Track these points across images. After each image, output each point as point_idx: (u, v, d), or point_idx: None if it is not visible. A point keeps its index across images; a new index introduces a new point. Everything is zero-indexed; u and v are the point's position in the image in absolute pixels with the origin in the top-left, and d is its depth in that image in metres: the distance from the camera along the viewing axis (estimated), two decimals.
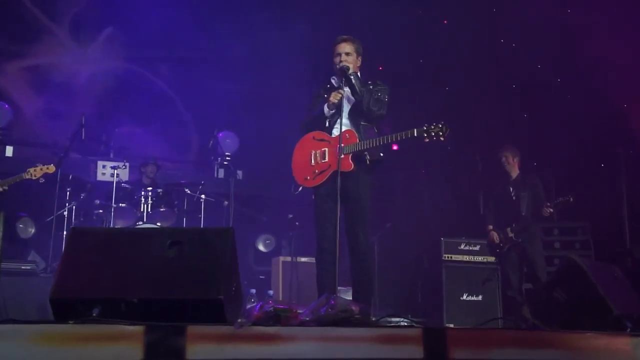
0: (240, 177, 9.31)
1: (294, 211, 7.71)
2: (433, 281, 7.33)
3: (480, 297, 7.18)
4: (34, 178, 6.45)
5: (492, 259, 7.28)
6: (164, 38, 9.23)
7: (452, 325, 6.55)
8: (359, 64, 5.25)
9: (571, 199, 6.71)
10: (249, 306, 3.59)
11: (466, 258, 7.30)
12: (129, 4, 8.97)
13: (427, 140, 4.92)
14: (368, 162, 5.05)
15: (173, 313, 3.00)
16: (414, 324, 3.82)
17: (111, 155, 8.71)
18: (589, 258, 7.35)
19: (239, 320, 2.88)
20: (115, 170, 7.51)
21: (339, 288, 4.73)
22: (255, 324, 2.94)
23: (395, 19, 8.81)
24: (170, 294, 3.08)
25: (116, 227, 7.26)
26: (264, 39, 9.22)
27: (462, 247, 7.35)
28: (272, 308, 3.15)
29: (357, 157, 5.01)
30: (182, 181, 8.21)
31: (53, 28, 9.23)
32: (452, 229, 7.78)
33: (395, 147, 7.79)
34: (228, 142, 8.93)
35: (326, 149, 5.10)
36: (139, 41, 9.21)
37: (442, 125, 4.90)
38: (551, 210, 6.79)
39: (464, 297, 7.14)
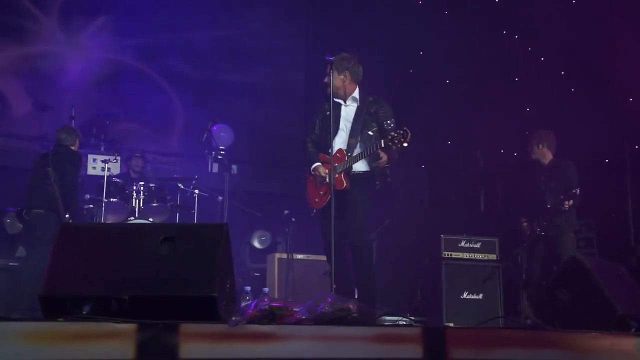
0: (235, 172, 9.23)
1: (290, 207, 7.65)
2: (432, 279, 7.25)
3: (480, 296, 7.09)
4: None
5: (493, 256, 7.21)
6: (156, 28, 9.14)
7: (452, 325, 6.48)
8: (346, 80, 5.35)
9: (578, 192, 6.44)
10: (243, 304, 3.52)
11: (467, 256, 7.22)
12: None
13: (393, 147, 5.01)
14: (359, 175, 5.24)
15: (165, 311, 2.94)
16: (413, 323, 3.77)
17: (102, 149, 8.61)
18: (593, 256, 7.27)
19: (234, 318, 2.82)
20: (106, 164, 7.42)
21: (335, 286, 4.68)
22: (250, 322, 2.89)
23: (394, 10, 8.74)
24: (162, 291, 3.02)
25: (107, 222, 7.16)
26: (261, 27, 9.15)
27: (463, 244, 7.27)
28: (267, 306, 3.09)
29: (349, 174, 5.23)
30: (175, 175, 8.11)
31: (41, 17, 9.11)
32: (452, 226, 7.71)
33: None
34: (222, 135, 8.82)
35: (327, 170, 5.26)
36: (130, 31, 9.12)
37: (402, 131, 4.94)
38: (568, 203, 6.38)
39: (464, 295, 7.06)
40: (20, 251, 7.29)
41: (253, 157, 9.21)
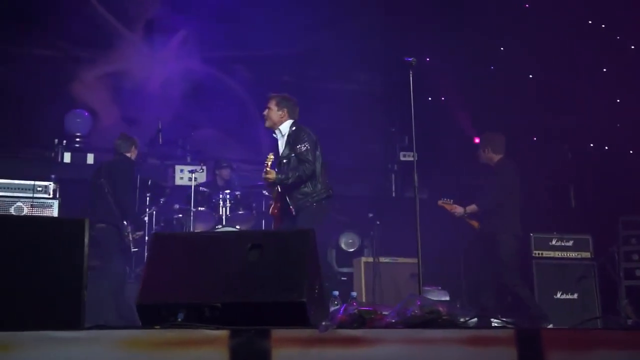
0: None
1: (375, 210, 7.63)
2: (523, 279, 7.08)
3: (575, 296, 6.87)
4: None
5: (587, 254, 6.97)
6: (237, 38, 9.29)
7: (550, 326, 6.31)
8: (282, 114, 5.96)
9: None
10: (332, 308, 3.53)
11: (558, 254, 7.01)
12: (201, 5, 9.07)
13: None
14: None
15: (256, 317, 2.98)
16: (507, 325, 3.68)
17: (188, 159, 8.81)
18: None
19: (324, 323, 2.82)
20: (193, 174, 7.61)
21: (424, 288, 4.63)
22: (340, 326, 2.88)
23: (472, 6, 8.58)
24: (253, 297, 3.07)
25: (196, 231, 7.33)
26: (337, 34, 9.16)
27: (554, 242, 7.07)
28: (356, 310, 3.07)
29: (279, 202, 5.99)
30: (260, 183, 8.21)
31: (127, 34, 9.41)
32: (541, 224, 7.51)
33: (477, 140, 7.61)
34: None
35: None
36: (212, 42, 9.30)
37: None
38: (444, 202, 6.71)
39: (558, 295, 6.86)
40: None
41: (337, 161, 9.20)
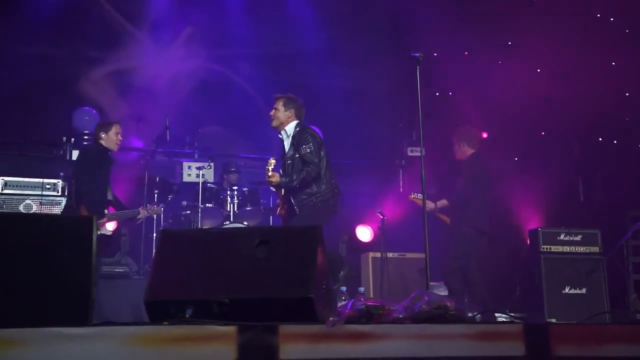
0: None
1: (382, 206, 7.62)
2: (531, 274, 7.06)
3: (584, 290, 6.84)
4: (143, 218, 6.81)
5: (595, 249, 6.93)
6: (244, 35, 9.30)
7: (554, 321, 6.29)
8: (289, 115, 6.00)
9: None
10: (340, 304, 3.54)
11: (567, 249, 6.98)
12: (208, 3, 9.08)
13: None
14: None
15: (264, 313, 2.99)
16: (515, 320, 3.68)
17: (196, 156, 8.83)
18: None
19: (331, 318, 2.82)
20: (201, 171, 7.63)
21: (431, 284, 4.63)
22: (347, 322, 2.89)
23: (475, 4, 8.56)
24: (260, 293, 3.08)
25: (204, 227, 7.34)
26: (344, 31, 9.15)
27: (562, 237, 7.04)
28: (364, 305, 3.08)
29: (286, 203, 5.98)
30: None
31: (134, 32, 9.42)
32: (550, 219, 7.48)
33: (485, 135, 7.59)
34: None
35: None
36: (219, 40, 9.31)
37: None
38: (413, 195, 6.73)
39: (566, 290, 6.83)
40: (125, 258, 7.57)
41: (344, 156, 9.21)
